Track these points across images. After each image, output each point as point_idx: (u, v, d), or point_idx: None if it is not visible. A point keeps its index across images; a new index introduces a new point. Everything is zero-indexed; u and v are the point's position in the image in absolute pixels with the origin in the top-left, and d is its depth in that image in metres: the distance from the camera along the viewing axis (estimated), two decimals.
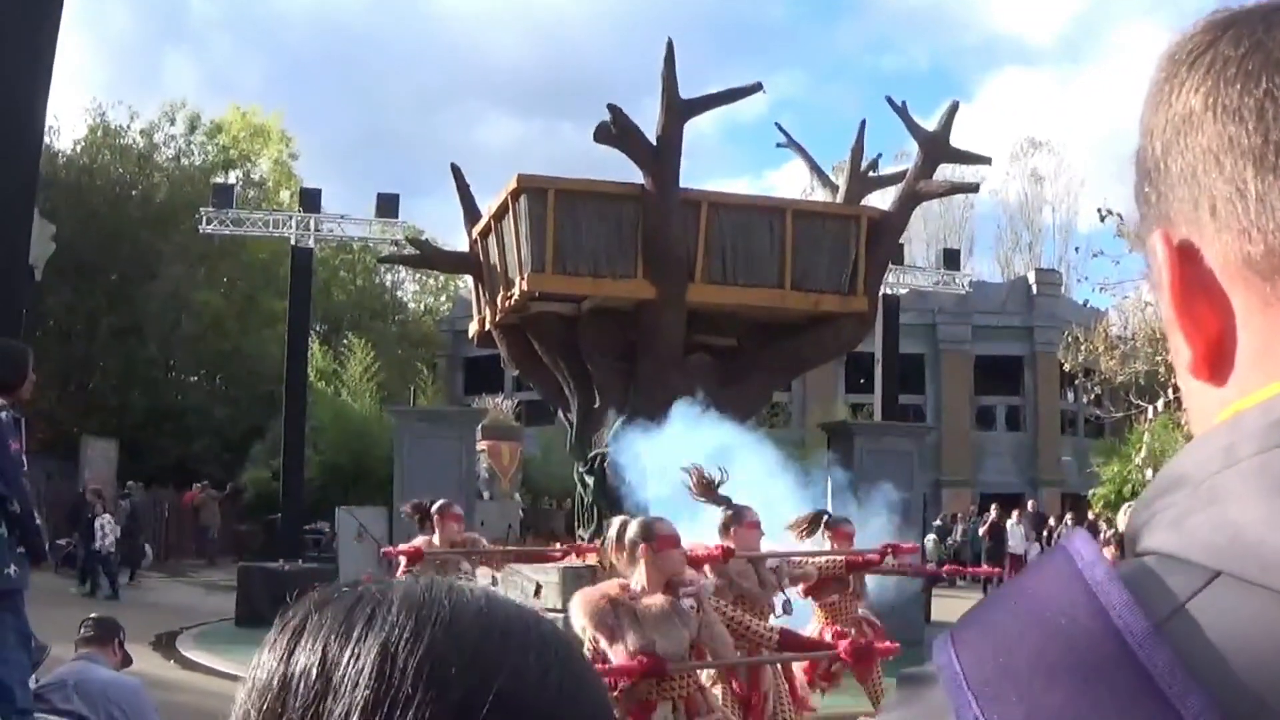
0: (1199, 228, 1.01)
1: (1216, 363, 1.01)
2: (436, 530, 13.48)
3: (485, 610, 1.09)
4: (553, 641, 1.10)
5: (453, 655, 1.03)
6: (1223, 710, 0.80)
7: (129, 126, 55.09)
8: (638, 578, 7.84)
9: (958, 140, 23.20)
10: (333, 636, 1.05)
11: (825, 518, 12.60)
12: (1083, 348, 28.31)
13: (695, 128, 20.09)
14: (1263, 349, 0.98)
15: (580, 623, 7.66)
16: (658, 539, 7.86)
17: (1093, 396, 32.56)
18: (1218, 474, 0.91)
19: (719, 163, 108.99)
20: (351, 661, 1.03)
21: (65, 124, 60.34)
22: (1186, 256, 1.02)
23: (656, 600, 7.76)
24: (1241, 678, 0.82)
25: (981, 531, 38.68)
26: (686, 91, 21.09)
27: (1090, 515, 35.60)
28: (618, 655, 7.52)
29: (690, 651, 7.87)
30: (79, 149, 52.79)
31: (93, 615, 9.29)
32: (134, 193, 52.93)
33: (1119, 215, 23.72)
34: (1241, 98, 0.98)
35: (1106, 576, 0.89)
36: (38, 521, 8.54)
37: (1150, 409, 22.55)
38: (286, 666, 1.06)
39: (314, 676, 1.04)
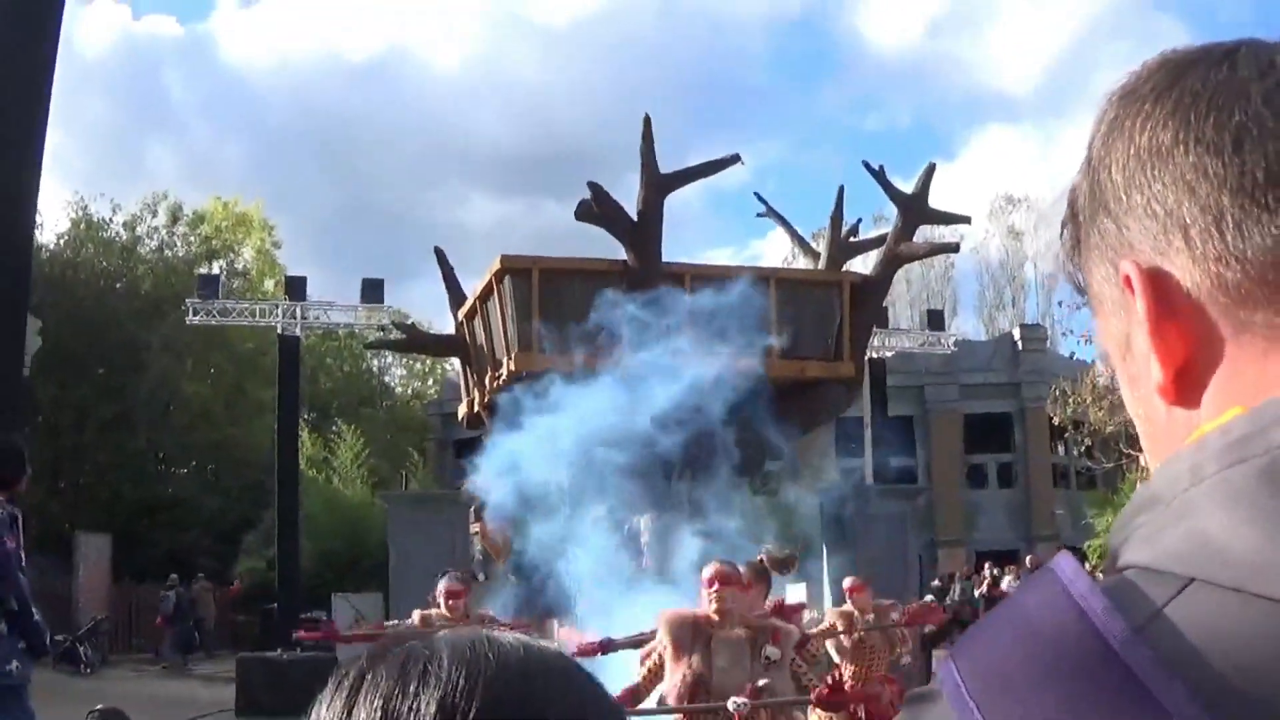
0: (1168, 256, 1.05)
1: (1185, 386, 1.06)
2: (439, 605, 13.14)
3: (526, 657, 1.14)
4: (585, 682, 1.17)
5: (505, 702, 1.08)
6: (1203, 700, 0.86)
7: (112, 219, 55.21)
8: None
9: (938, 200, 23.31)
10: (392, 692, 1.09)
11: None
12: (1070, 400, 28.38)
13: (678, 198, 20.14)
14: (1230, 373, 1.03)
15: (660, 631, 8.33)
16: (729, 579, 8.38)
17: (1083, 448, 32.61)
18: (1185, 491, 0.97)
19: (703, 233, 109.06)
20: (413, 715, 1.08)
21: (48, 217, 60.45)
22: (1158, 283, 1.05)
23: (735, 634, 8.21)
24: (1218, 671, 0.87)
25: (978, 592, 38.54)
26: (669, 161, 21.20)
27: (1088, 567, 35.50)
28: (676, 669, 8.09)
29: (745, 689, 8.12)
30: (62, 243, 52.79)
31: (99, 707, 9.28)
32: (118, 285, 52.90)
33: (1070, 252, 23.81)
34: (1215, 130, 1.03)
35: (1088, 588, 0.95)
36: (37, 617, 8.54)
37: (1141, 457, 22.55)
38: None
39: None
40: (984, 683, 0.94)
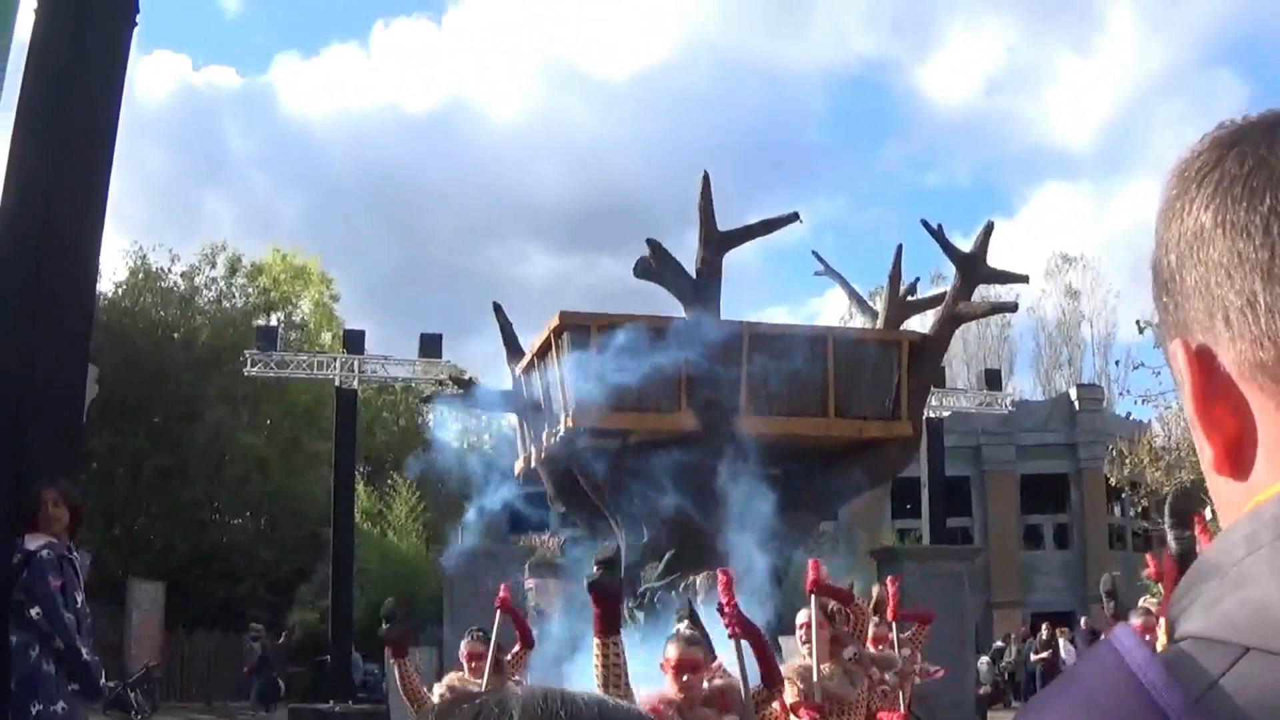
0: (1215, 335, 1.08)
1: (1236, 459, 1.07)
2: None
3: (601, 714, 1.09)
4: None
5: None
6: None
7: (170, 269, 55.43)
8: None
9: (996, 259, 23.22)
10: None
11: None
12: (1128, 461, 28.21)
13: (737, 256, 20.17)
14: (1276, 446, 1.05)
15: None
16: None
17: (1140, 509, 32.39)
18: (1242, 560, 0.99)
19: (761, 290, 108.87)
20: None
21: (106, 266, 60.81)
22: (1204, 362, 1.09)
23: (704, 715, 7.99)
24: None
25: (1034, 656, 38.32)
26: (727, 218, 21.20)
27: (1137, 625, 35.25)
28: None
29: None
30: (120, 292, 53.02)
31: None
32: (176, 335, 53.12)
33: (1157, 326, 23.70)
34: (1248, 214, 1.05)
35: (1146, 660, 0.96)
36: (85, 657, 8.53)
37: (1198, 519, 22.39)
38: None
39: None
40: None
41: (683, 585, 19.70)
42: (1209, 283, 1.07)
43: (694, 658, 8.01)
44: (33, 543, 8.36)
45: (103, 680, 9.09)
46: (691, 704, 7.95)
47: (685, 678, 7.92)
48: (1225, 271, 1.06)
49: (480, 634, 12.64)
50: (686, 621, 8.79)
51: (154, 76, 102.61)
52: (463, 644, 12.82)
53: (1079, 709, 0.97)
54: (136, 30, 10.29)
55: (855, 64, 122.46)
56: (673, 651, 8.02)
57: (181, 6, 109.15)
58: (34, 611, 8.27)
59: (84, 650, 8.53)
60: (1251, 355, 1.05)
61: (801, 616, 10.88)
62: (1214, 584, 1.00)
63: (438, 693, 12.93)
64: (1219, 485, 1.11)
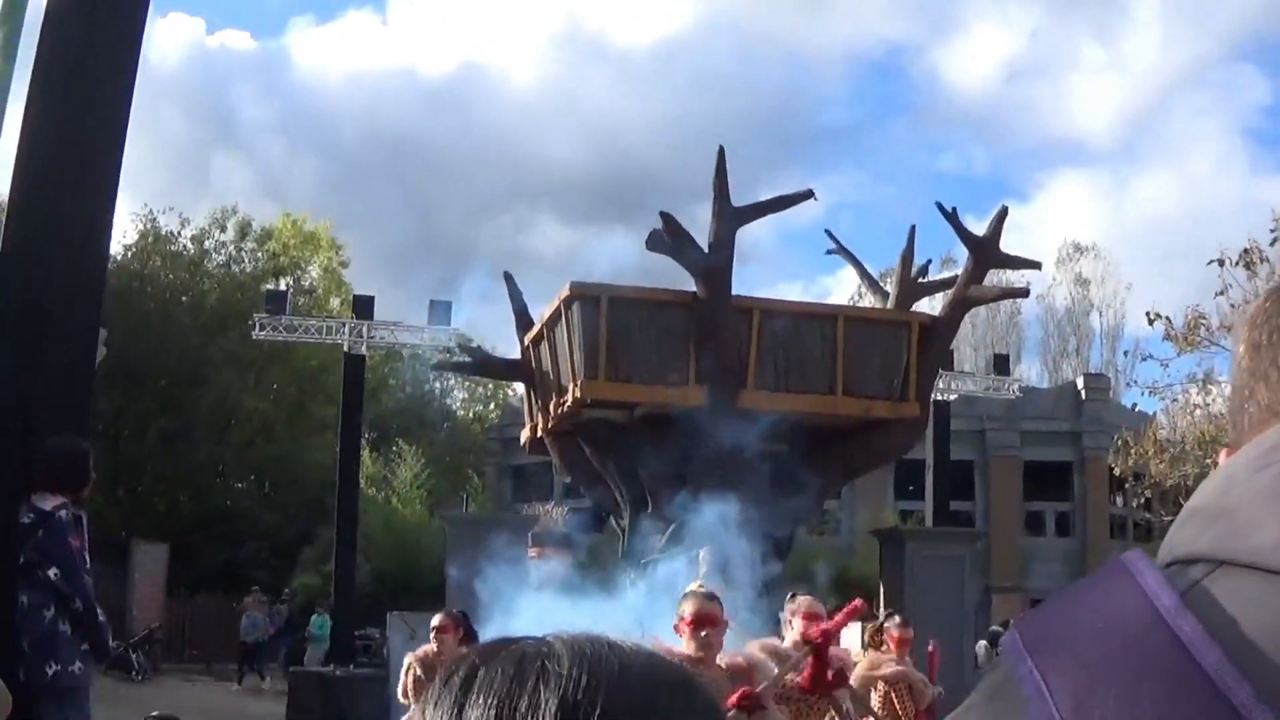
0: (1241, 435, 1.30)
1: None
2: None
3: (650, 664, 1.10)
4: (705, 697, 1.13)
5: (627, 708, 1.04)
6: (1233, 661, 1.02)
7: (180, 233, 55.49)
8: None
9: (1009, 244, 23.21)
10: (506, 690, 1.05)
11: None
12: (1132, 452, 28.17)
13: (751, 233, 20.26)
14: None
15: None
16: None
17: (1143, 500, 32.38)
18: (1222, 496, 1.17)
19: (775, 268, 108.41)
20: (531, 714, 1.03)
21: (116, 229, 60.54)
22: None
23: (716, 674, 7.70)
24: (1245, 636, 1.04)
25: None
26: (742, 195, 21.18)
27: None
28: None
29: None
30: (130, 255, 53.03)
31: (155, 714, 9.28)
32: (184, 299, 53.18)
33: (1167, 319, 23.68)
34: (1261, 337, 1.30)
35: (1147, 568, 1.14)
36: (100, 619, 8.57)
37: None
38: None
39: None
40: (1039, 635, 1.13)
41: (687, 559, 19.77)
42: (1239, 395, 1.32)
43: (712, 612, 7.77)
44: (45, 503, 8.35)
45: (110, 642, 9.14)
46: (709, 663, 7.64)
47: (704, 633, 7.66)
48: (1248, 387, 1.30)
49: (451, 611, 12.59)
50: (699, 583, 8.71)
51: (168, 39, 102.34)
52: (435, 617, 12.76)
53: (1083, 605, 1.14)
54: None
55: (877, 46, 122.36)
56: (689, 607, 7.77)
57: None
58: (51, 572, 8.26)
59: (99, 613, 8.57)
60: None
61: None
62: (1198, 518, 1.18)
63: (406, 663, 12.82)
64: None
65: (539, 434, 23.48)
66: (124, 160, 9.64)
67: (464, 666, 1.10)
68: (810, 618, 9.43)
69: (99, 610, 8.57)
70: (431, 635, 12.49)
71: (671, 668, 1.13)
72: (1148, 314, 24.49)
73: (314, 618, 35.89)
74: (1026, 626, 1.15)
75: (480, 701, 1.05)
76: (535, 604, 12.45)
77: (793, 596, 10.04)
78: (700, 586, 8.42)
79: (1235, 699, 1.00)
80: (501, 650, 1.10)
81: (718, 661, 7.81)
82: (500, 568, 14.09)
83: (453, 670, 1.11)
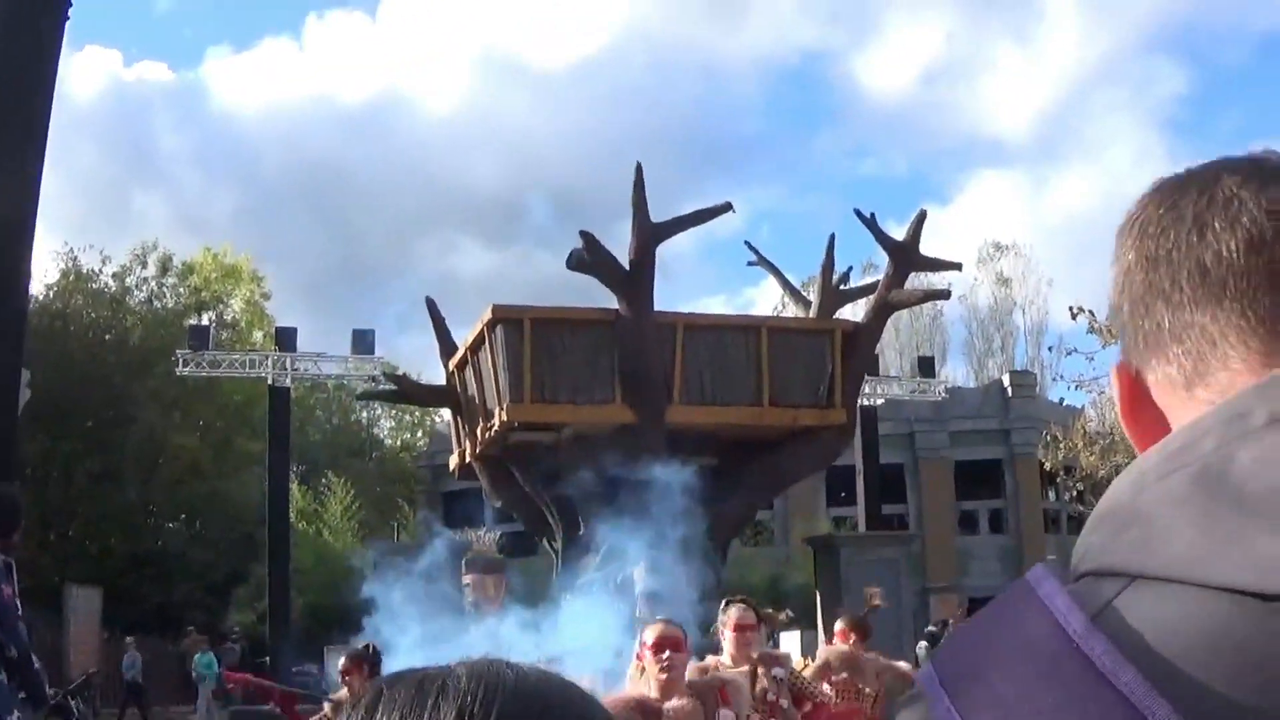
0: (1141, 356, 1.25)
1: None
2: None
3: (543, 678, 1.15)
4: (597, 707, 1.17)
5: (521, 716, 1.08)
6: (1150, 681, 0.98)
7: (101, 270, 55.16)
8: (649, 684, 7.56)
9: (930, 247, 23.35)
10: (409, 706, 1.09)
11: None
12: (1062, 446, 28.35)
13: (672, 247, 20.26)
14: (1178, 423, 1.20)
15: None
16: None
17: (1075, 493, 32.59)
18: (1131, 501, 1.11)
19: (697, 281, 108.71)
20: None
21: (37, 268, 60.21)
22: (1133, 380, 1.27)
23: (686, 706, 7.44)
24: (1161, 654, 1.00)
25: None
26: (664, 210, 21.24)
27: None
28: None
29: None
30: (52, 294, 52.67)
31: None
32: (108, 337, 52.84)
33: (1090, 312, 23.85)
34: (1158, 250, 1.22)
35: (1055, 590, 1.08)
36: (36, 665, 8.47)
37: None
38: None
39: None
40: (955, 671, 1.08)
41: (620, 577, 19.74)
42: (1134, 312, 1.25)
43: (675, 635, 7.56)
44: None
45: (47, 689, 9.03)
46: (673, 687, 7.42)
47: (667, 654, 7.40)
48: (1143, 302, 1.23)
49: (356, 651, 12.15)
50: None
51: (84, 72, 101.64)
52: (340, 660, 12.25)
53: (988, 631, 1.10)
54: (68, 24, 10.20)
55: (792, 54, 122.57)
56: (650, 634, 7.56)
57: (112, 0, 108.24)
58: None
59: (35, 660, 8.47)
60: (1163, 371, 1.22)
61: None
62: (1107, 525, 1.12)
63: (320, 715, 12.54)
64: None
65: (467, 459, 23.42)
66: (41, 197, 9.55)
67: (370, 693, 1.14)
68: (740, 629, 9.42)
69: (34, 657, 8.47)
70: (340, 679, 12.06)
71: (565, 681, 1.18)
72: (1071, 308, 24.63)
73: (198, 657, 35.40)
74: (942, 662, 1.11)
75: (384, 718, 1.10)
76: (463, 629, 12.35)
77: (726, 605, 10.03)
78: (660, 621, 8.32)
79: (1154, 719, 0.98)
80: (407, 676, 1.15)
81: (686, 684, 7.60)
82: (427, 595, 13.98)
83: (360, 697, 1.15)
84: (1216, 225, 1.19)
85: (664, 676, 7.38)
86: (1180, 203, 1.22)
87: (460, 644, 10.22)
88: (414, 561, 18.77)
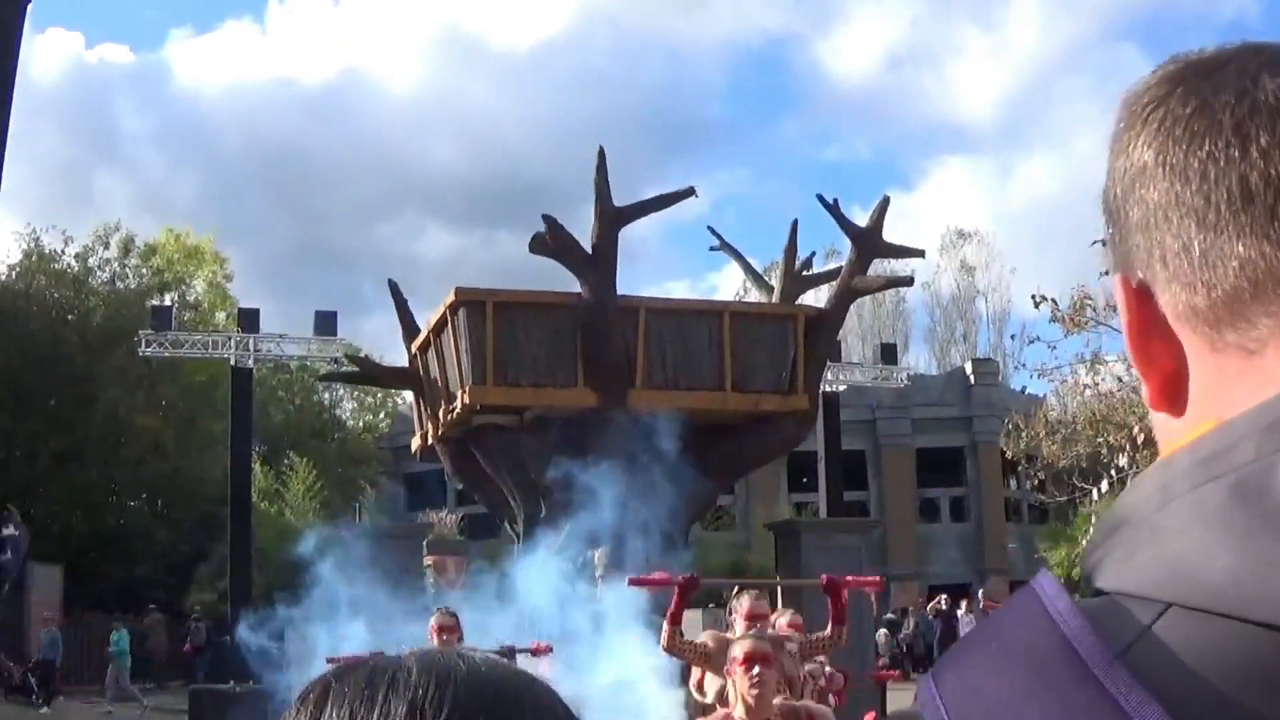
0: (1153, 274, 1.08)
1: (1173, 397, 1.08)
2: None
3: (495, 668, 1.14)
4: (551, 696, 1.16)
5: (474, 709, 1.07)
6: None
7: (64, 251, 54.90)
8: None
9: (893, 234, 23.40)
10: (359, 700, 1.07)
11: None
12: (1023, 434, 28.43)
13: (635, 231, 20.32)
14: (1207, 387, 1.05)
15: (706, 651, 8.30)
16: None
17: (1036, 482, 32.69)
18: (1157, 512, 0.98)
19: (660, 266, 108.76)
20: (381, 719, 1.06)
21: None
22: (1142, 299, 1.09)
23: None
24: (1197, 695, 0.88)
25: (932, 618, 38.79)
26: (626, 194, 21.25)
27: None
28: None
29: None
30: (14, 275, 52.55)
31: None
32: (70, 317, 52.58)
33: (1053, 300, 23.93)
34: (1187, 158, 1.04)
35: (1069, 609, 0.96)
36: None
37: (1094, 490, 22.57)
38: None
39: None
40: (963, 702, 0.96)
41: (580, 560, 19.80)
42: (1149, 223, 1.07)
43: (766, 651, 7.34)
44: None
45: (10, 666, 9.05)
46: (761, 705, 7.19)
47: (757, 670, 7.13)
48: (1164, 214, 1.06)
49: (447, 610, 12.43)
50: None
51: (46, 54, 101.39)
52: (432, 619, 12.49)
53: (999, 655, 0.97)
54: (30, 6, 10.22)
55: (757, 38, 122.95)
56: (740, 649, 7.35)
57: None
58: None
59: None
60: (1185, 299, 1.05)
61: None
62: (1128, 535, 1.00)
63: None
64: (1158, 420, 1.12)
65: (429, 441, 23.43)
66: (5, 178, 9.56)
67: (319, 685, 1.12)
68: (752, 618, 9.48)
69: None
70: (433, 634, 12.05)
71: (517, 670, 1.17)
72: (1033, 296, 24.63)
73: (113, 634, 35.17)
74: (949, 688, 0.99)
75: (334, 713, 1.07)
76: (423, 612, 12.38)
77: (737, 593, 10.08)
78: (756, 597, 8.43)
79: None
80: (356, 667, 1.13)
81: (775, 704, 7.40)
82: (391, 578, 14.04)
83: (309, 689, 1.12)
84: (1263, 140, 1.02)
85: (755, 693, 7.18)
86: (1213, 103, 1.05)
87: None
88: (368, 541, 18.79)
